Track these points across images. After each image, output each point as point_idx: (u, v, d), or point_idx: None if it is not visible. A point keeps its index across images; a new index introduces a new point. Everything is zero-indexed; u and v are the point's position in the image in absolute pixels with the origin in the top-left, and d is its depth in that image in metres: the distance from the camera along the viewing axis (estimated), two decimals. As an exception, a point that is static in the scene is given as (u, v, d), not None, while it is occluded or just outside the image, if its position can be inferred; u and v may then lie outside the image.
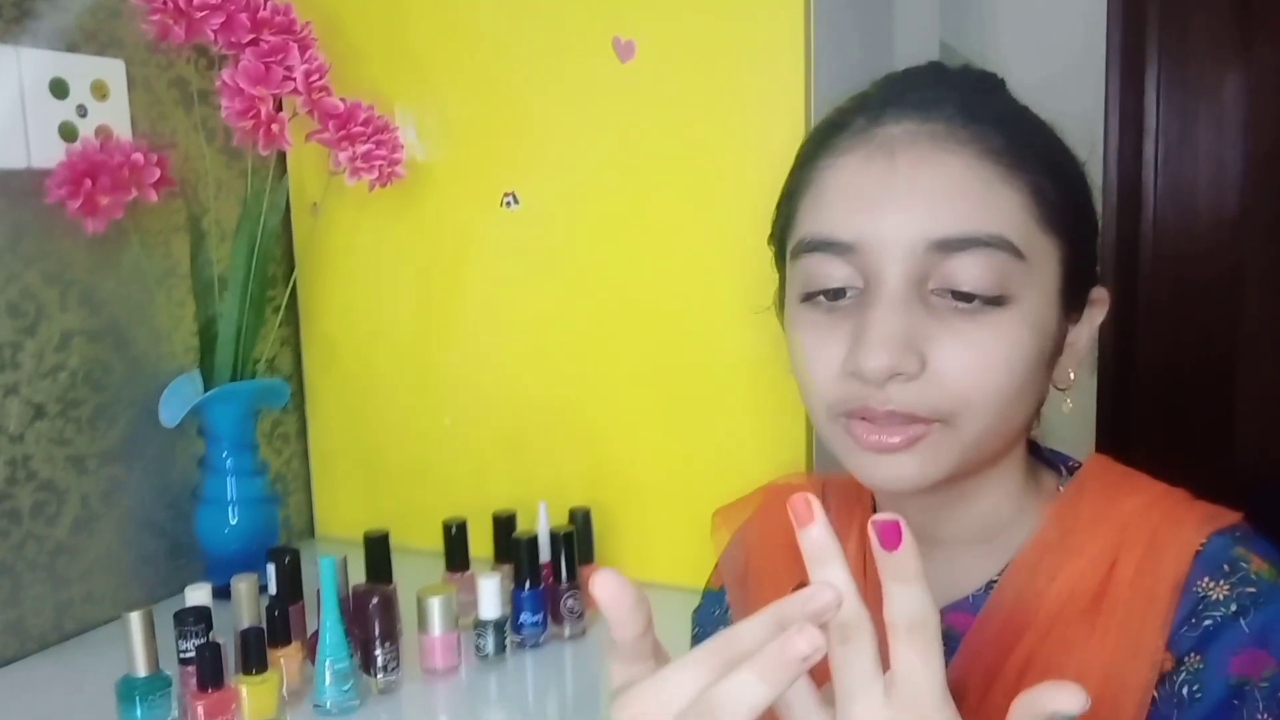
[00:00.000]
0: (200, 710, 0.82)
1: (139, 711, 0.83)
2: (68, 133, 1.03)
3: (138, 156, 1.02)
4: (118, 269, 1.11)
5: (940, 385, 0.53)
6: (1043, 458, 0.65)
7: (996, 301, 0.53)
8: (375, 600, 0.91)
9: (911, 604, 0.39)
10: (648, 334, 1.11)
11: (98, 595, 1.10)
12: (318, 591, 0.90)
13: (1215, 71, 1.63)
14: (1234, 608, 0.52)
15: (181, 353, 1.19)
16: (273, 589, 0.96)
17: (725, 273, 1.05)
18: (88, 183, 0.98)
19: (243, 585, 0.93)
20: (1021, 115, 0.59)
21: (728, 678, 0.36)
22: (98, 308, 1.09)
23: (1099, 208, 0.61)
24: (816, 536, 0.40)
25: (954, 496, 0.59)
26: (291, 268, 1.29)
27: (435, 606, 0.93)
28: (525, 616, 1.00)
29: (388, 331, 1.26)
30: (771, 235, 0.64)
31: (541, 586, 1.00)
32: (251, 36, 1.04)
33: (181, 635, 0.86)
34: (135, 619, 0.83)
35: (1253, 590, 0.53)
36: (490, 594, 0.95)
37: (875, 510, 0.64)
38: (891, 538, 0.39)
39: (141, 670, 0.84)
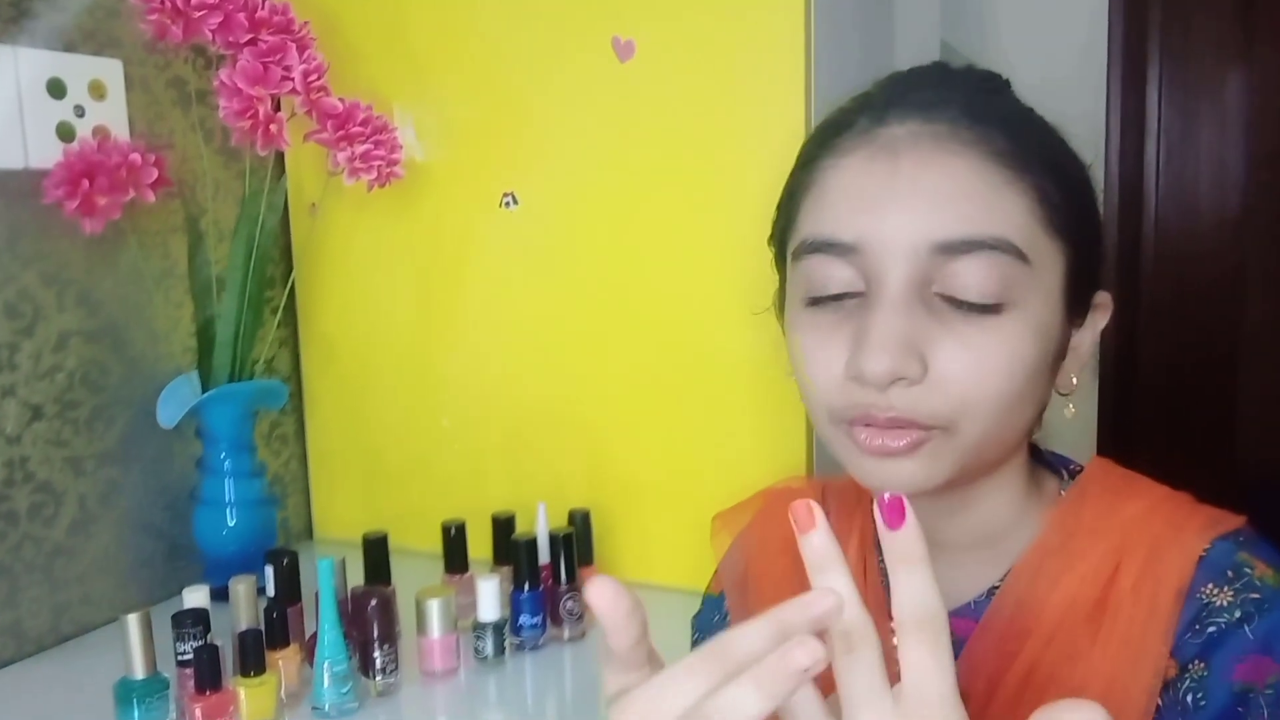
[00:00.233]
0: (198, 713, 0.82)
1: (137, 714, 0.83)
2: (65, 133, 1.02)
3: (135, 157, 1.02)
4: (115, 270, 1.11)
5: (942, 390, 0.52)
6: (1044, 461, 0.64)
7: (999, 306, 0.53)
8: (374, 602, 0.91)
9: (919, 598, 0.38)
10: (647, 335, 1.11)
11: (95, 597, 1.09)
12: (316, 593, 0.90)
13: (1217, 71, 1.62)
14: (1238, 614, 0.52)
15: (179, 354, 1.18)
16: (271, 591, 0.96)
17: (725, 274, 1.04)
18: (85, 183, 0.98)
19: (241, 587, 0.93)
20: (1027, 117, 0.58)
21: (725, 688, 0.36)
22: (95, 309, 1.09)
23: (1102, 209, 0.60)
24: (818, 543, 0.40)
25: (956, 501, 0.59)
26: (290, 268, 1.29)
27: (434, 608, 0.92)
28: (524, 618, 0.99)
29: (387, 332, 1.26)
30: (772, 236, 0.64)
31: (541, 588, 1.00)
32: (250, 36, 1.03)
33: (179, 637, 0.86)
34: (133, 621, 0.83)
35: (1257, 596, 0.52)
36: (489, 596, 0.95)
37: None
38: (895, 515, 0.39)
39: (139, 672, 0.83)
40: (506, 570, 1.02)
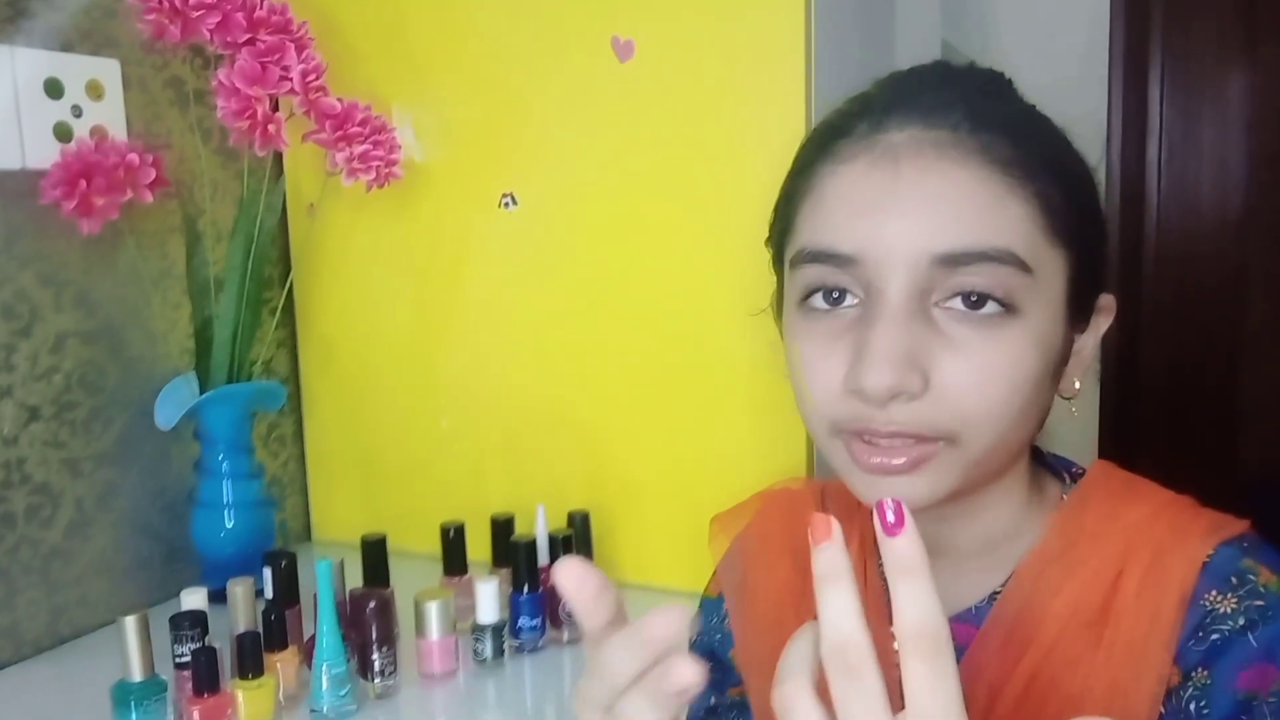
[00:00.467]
0: (196, 715, 0.81)
1: (134, 716, 0.82)
2: (62, 133, 1.02)
3: (133, 157, 1.01)
4: (113, 270, 1.10)
5: (944, 403, 0.51)
6: (1046, 464, 0.64)
7: (1001, 317, 0.52)
8: (372, 604, 0.90)
9: (920, 612, 0.37)
10: (647, 336, 1.10)
11: (92, 599, 1.09)
12: (314, 595, 0.89)
13: (1219, 71, 1.62)
14: (1242, 621, 0.52)
15: (177, 355, 1.18)
16: (269, 593, 0.95)
17: (725, 274, 1.04)
18: (83, 183, 0.98)
19: (239, 589, 0.93)
20: (1030, 120, 0.57)
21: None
22: (93, 309, 1.08)
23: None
24: (830, 557, 0.38)
25: (957, 511, 0.58)
26: (288, 269, 1.28)
27: (433, 610, 0.92)
28: (523, 620, 0.99)
29: (385, 333, 1.25)
30: (769, 238, 0.63)
31: (540, 590, 1.00)
32: (248, 36, 1.03)
33: (177, 639, 0.86)
34: (130, 623, 0.82)
35: (1261, 603, 0.52)
36: (488, 598, 0.95)
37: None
38: (895, 521, 0.38)
39: (136, 675, 0.83)
40: (505, 572, 1.01)
